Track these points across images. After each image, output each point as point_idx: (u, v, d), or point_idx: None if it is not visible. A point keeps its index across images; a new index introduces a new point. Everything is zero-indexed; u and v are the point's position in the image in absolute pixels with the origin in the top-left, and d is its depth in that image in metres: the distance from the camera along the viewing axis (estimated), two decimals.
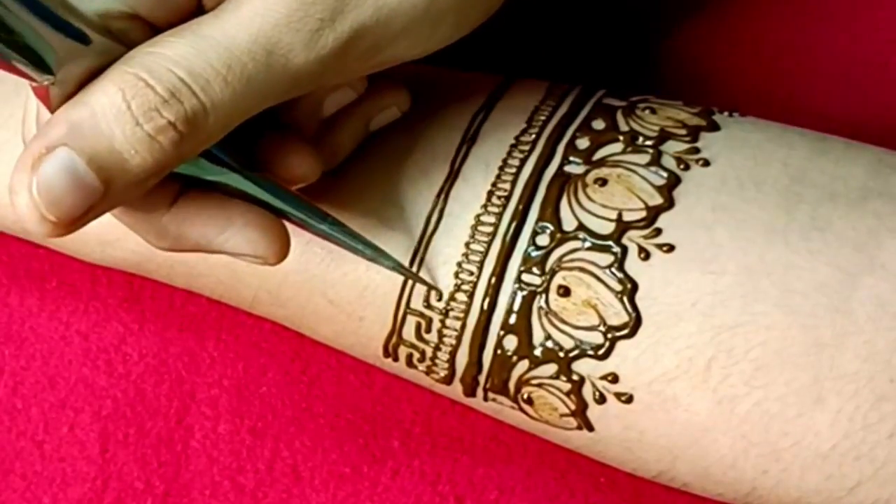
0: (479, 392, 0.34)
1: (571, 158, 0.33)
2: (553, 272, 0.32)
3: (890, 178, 0.32)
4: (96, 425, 0.38)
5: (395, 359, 0.35)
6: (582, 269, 0.31)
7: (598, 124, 0.33)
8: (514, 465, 0.37)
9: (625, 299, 0.31)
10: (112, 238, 0.37)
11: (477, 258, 0.32)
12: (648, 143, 0.33)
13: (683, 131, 0.33)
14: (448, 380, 0.34)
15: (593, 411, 0.32)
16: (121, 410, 0.38)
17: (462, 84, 0.35)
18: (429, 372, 0.34)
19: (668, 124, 0.33)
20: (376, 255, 0.32)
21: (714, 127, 0.33)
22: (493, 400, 0.34)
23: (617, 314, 0.31)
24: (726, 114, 0.34)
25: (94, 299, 0.40)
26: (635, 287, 0.31)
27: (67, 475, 0.38)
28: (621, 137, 0.33)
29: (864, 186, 0.31)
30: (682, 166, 0.32)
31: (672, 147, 0.32)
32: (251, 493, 0.37)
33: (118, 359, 0.39)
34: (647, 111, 0.34)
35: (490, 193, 0.33)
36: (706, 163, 0.32)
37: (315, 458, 0.38)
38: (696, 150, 0.32)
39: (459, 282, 0.33)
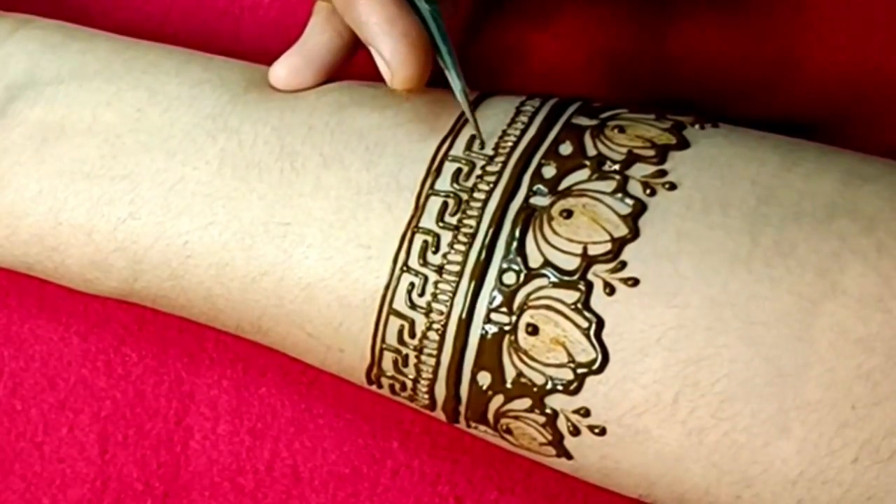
0: (462, 420, 0.36)
1: (537, 188, 0.34)
2: (521, 311, 0.33)
3: (859, 192, 0.33)
4: (96, 426, 0.39)
5: (379, 386, 0.37)
6: (549, 308, 0.33)
7: (566, 148, 0.35)
8: (514, 465, 0.38)
9: (591, 336, 0.33)
10: (92, 277, 0.38)
11: (446, 297, 0.34)
12: (615, 167, 0.34)
13: (651, 152, 0.34)
14: (431, 408, 0.36)
15: (570, 442, 0.34)
16: (120, 411, 0.40)
17: (429, 105, 0.37)
18: (412, 400, 0.37)
19: (637, 144, 0.34)
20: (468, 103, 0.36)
21: (684, 144, 0.35)
22: (476, 428, 0.36)
23: (585, 351, 0.33)
24: (698, 126, 0.35)
25: (93, 300, 0.41)
26: (601, 323, 0.33)
27: (67, 476, 0.39)
28: (588, 163, 0.34)
29: (831, 203, 0.33)
30: (648, 191, 0.34)
31: (639, 171, 0.34)
32: (251, 494, 0.38)
33: (117, 360, 0.40)
34: (615, 130, 0.35)
35: (456, 230, 0.34)
36: (673, 186, 0.34)
37: (315, 458, 0.39)
38: (664, 173, 0.34)
39: (430, 321, 0.35)
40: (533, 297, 0.33)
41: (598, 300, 0.33)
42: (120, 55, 0.39)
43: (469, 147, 0.35)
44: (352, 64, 0.39)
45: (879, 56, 0.42)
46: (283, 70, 0.38)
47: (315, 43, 0.38)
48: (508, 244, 0.34)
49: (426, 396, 0.36)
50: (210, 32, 0.45)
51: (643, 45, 0.43)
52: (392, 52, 0.35)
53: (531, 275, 0.33)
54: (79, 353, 0.41)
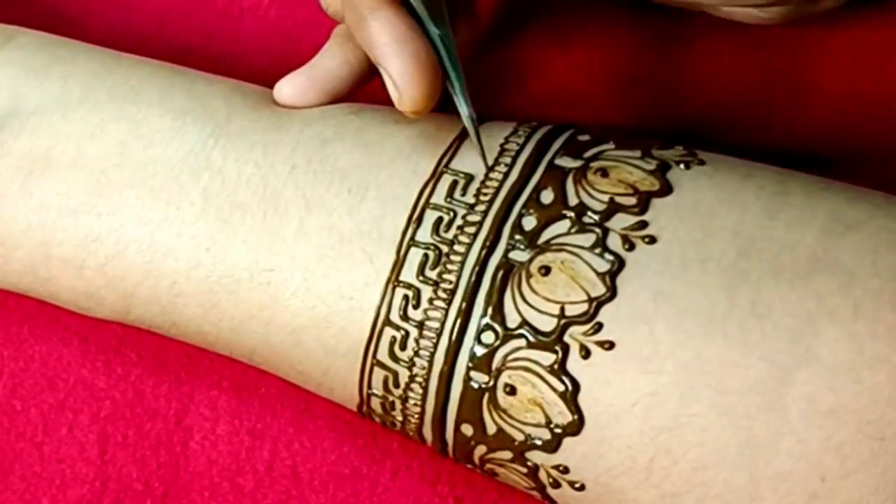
0: (451, 458, 0.37)
1: (517, 240, 0.34)
2: (499, 371, 0.34)
3: (842, 242, 0.33)
4: (95, 426, 0.39)
5: (373, 421, 0.38)
6: (526, 369, 0.34)
7: (547, 196, 0.35)
8: None
9: (568, 399, 0.33)
10: (86, 307, 0.39)
11: (427, 353, 0.35)
12: (595, 217, 0.34)
13: (633, 200, 0.34)
14: (422, 444, 0.37)
15: (552, 492, 0.35)
16: (120, 412, 0.40)
17: (412, 141, 0.37)
18: (403, 435, 0.38)
19: (619, 191, 0.34)
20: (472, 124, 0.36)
21: (667, 189, 0.34)
22: (465, 466, 0.37)
23: (561, 413, 0.33)
24: (683, 167, 0.35)
25: None
26: (577, 387, 0.33)
27: (66, 476, 0.39)
28: (568, 214, 0.34)
29: (812, 256, 0.33)
30: (626, 246, 0.34)
31: (619, 223, 0.34)
32: (250, 495, 0.39)
33: (117, 360, 0.41)
34: (598, 174, 0.35)
35: (436, 285, 0.35)
36: (652, 240, 0.34)
37: (314, 459, 0.39)
38: (644, 225, 0.34)
39: (413, 374, 0.35)
40: (510, 357, 0.34)
41: (575, 363, 0.33)
42: (103, 80, 0.39)
43: (451, 193, 0.35)
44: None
45: (888, 83, 0.42)
46: (289, 89, 0.39)
47: (323, 67, 0.39)
48: (487, 302, 0.34)
49: (415, 436, 0.37)
50: (209, 33, 0.45)
51: (654, 64, 0.43)
52: (401, 73, 0.35)
53: (509, 335, 0.34)
54: (78, 353, 0.41)
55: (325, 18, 0.40)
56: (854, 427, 0.31)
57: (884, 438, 0.31)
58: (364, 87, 0.40)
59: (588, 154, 0.36)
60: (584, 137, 0.37)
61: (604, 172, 0.35)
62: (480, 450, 0.35)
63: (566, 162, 0.35)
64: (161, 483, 0.39)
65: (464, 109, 0.36)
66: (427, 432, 0.36)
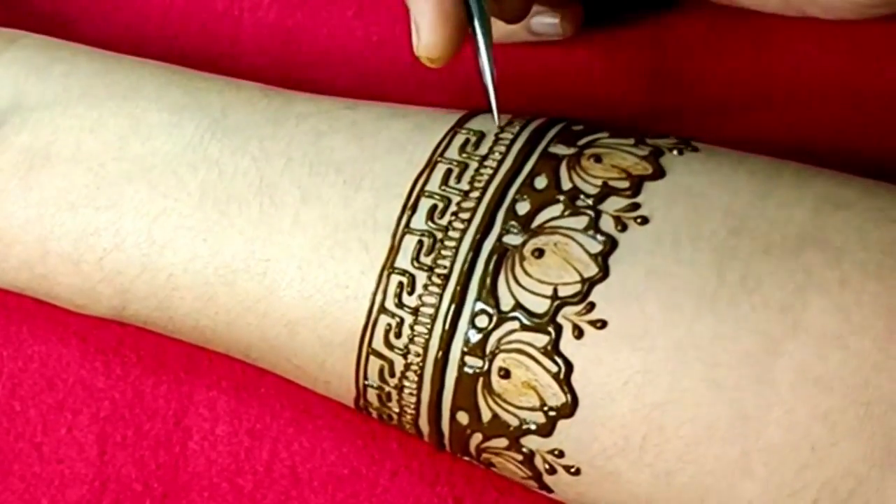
0: (448, 451, 0.37)
1: (511, 224, 0.35)
2: (493, 354, 0.34)
3: (830, 219, 0.33)
4: (94, 427, 0.40)
5: (369, 415, 0.38)
6: (520, 351, 0.34)
7: (541, 182, 0.35)
8: None
9: (561, 380, 0.34)
10: (82, 303, 0.39)
11: (422, 339, 0.35)
12: (588, 201, 0.34)
13: (626, 184, 0.35)
14: (419, 437, 0.37)
15: (548, 479, 0.35)
16: (119, 412, 0.40)
17: (407, 133, 0.37)
18: (400, 429, 0.38)
19: (612, 176, 0.35)
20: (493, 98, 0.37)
21: (659, 173, 0.35)
22: (463, 458, 0.37)
23: (555, 395, 0.34)
24: (676, 153, 0.36)
25: None
26: (570, 368, 0.33)
27: (66, 477, 0.40)
28: (562, 198, 0.35)
29: (801, 233, 0.33)
30: (619, 227, 0.34)
31: (612, 205, 0.34)
32: (249, 495, 0.39)
33: (116, 360, 0.41)
34: (592, 159, 0.35)
35: (430, 271, 0.35)
36: (644, 220, 0.34)
37: (314, 459, 0.40)
38: (636, 207, 0.34)
39: (408, 362, 0.35)
40: (504, 340, 0.34)
41: (568, 344, 0.33)
42: (102, 78, 0.40)
43: (445, 181, 0.36)
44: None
45: (888, 83, 0.42)
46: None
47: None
48: (481, 286, 0.34)
49: (413, 429, 0.37)
50: (210, 34, 0.46)
51: (655, 64, 0.44)
52: (422, 16, 0.36)
53: (502, 318, 0.34)
54: (78, 353, 0.41)
55: (325, 18, 0.41)
56: (840, 394, 0.31)
57: (869, 403, 0.31)
58: (374, 89, 0.40)
59: (582, 142, 0.36)
60: (579, 127, 0.37)
61: (597, 158, 0.35)
62: (476, 438, 0.35)
63: (560, 149, 0.36)
64: (160, 483, 0.39)
65: (486, 71, 0.37)
66: (423, 423, 0.36)
